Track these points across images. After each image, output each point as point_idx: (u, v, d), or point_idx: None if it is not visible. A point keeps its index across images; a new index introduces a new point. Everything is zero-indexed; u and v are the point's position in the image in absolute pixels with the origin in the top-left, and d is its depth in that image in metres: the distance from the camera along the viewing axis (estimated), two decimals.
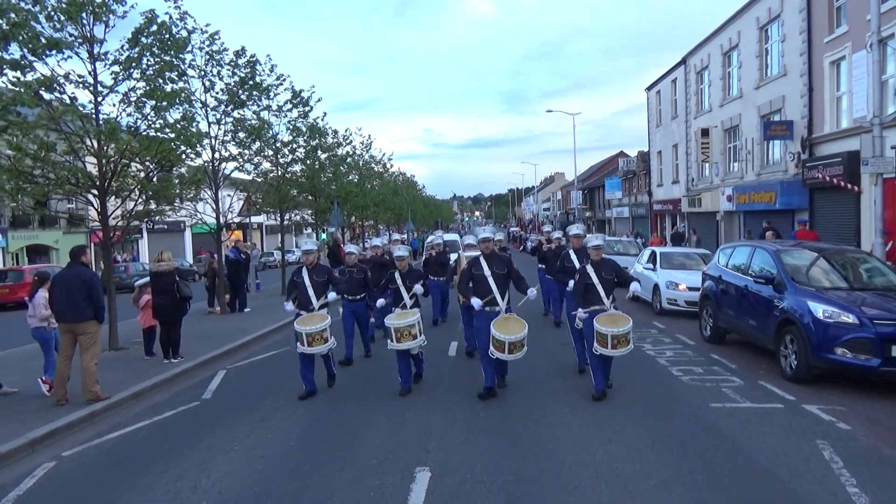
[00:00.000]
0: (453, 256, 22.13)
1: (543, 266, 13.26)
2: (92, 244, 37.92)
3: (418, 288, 8.19)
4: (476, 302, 7.48)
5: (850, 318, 7.52)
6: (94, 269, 35.75)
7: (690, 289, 13.42)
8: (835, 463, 5.33)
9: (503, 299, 7.56)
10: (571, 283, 8.67)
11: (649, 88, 37.00)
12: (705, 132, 27.23)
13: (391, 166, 41.32)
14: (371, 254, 12.50)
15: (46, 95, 10.57)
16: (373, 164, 36.14)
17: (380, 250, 12.42)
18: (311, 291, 8.02)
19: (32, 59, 9.24)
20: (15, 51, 10.03)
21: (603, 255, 7.87)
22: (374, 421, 6.81)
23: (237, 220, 23.78)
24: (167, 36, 11.79)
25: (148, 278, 10.40)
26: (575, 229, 9.82)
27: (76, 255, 8.13)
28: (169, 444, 6.37)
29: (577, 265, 8.85)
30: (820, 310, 7.76)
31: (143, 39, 11.56)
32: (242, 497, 5.01)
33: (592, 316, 7.48)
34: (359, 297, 9.78)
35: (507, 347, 7.18)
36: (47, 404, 7.68)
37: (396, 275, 8.38)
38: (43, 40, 9.27)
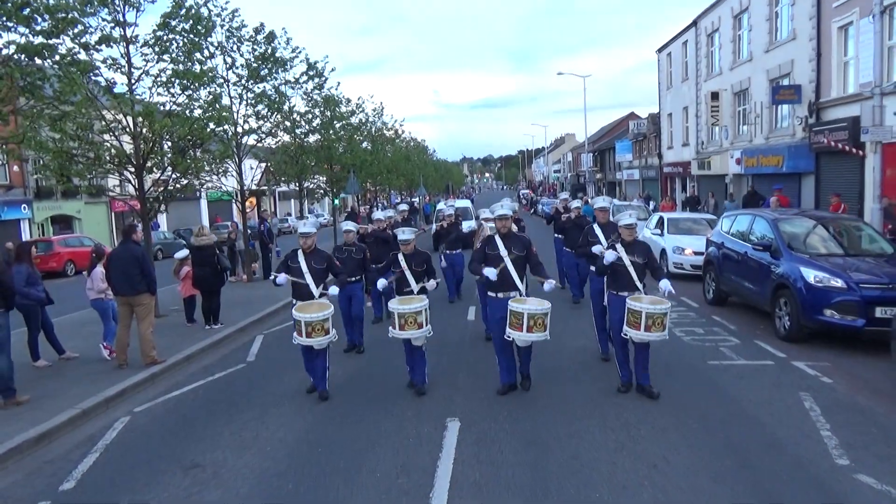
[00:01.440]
0: (466, 225, 22.76)
1: (561, 236, 12.40)
2: (112, 214, 39.10)
3: (431, 284, 7.26)
4: (491, 272, 6.60)
5: (838, 283, 8.20)
6: (115, 238, 36.89)
7: (696, 253, 14.06)
8: (813, 411, 6.10)
9: (522, 283, 6.80)
10: (596, 248, 7.92)
11: (660, 50, 36.91)
12: (715, 95, 27.43)
13: (402, 131, 41.75)
14: (375, 227, 11.52)
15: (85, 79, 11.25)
16: (385, 131, 36.63)
17: (383, 224, 11.51)
18: (309, 278, 7.17)
19: (78, 51, 9.84)
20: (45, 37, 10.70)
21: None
22: (407, 379, 7.61)
23: (256, 188, 24.57)
24: (195, 21, 12.34)
25: (187, 251, 11.19)
26: (601, 202, 8.93)
27: (128, 234, 8.91)
28: (226, 400, 7.23)
29: (604, 243, 8.06)
30: (811, 275, 8.44)
31: (173, 23, 12.16)
32: (300, 442, 5.85)
33: (621, 297, 6.75)
34: (354, 279, 9.00)
35: (525, 323, 6.31)
36: (110, 367, 8.56)
37: (401, 257, 7.37)
38: (92, 36, 9.89)
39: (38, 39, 8.88)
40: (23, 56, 8.98)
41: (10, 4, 8.71)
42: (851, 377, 7.20)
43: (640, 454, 5.28)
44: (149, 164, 12.49)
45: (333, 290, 7.23)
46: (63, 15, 8.81)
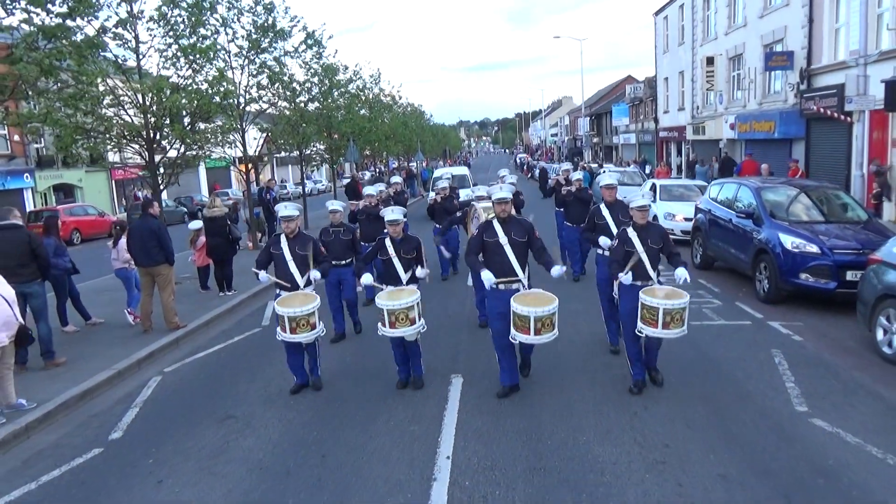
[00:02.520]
0: (463, 193, 23.03)
1: (562, 209, 11.76)
2: (112, 182, 39.39)
3: (421, 271, 6.68)
4: (488, 278, 5.92)
5: (813, 248, 8.80)
6: (116, 206, 37.21)
7: (686, 219, 14.63)
8: (781, 366, 6.77)
9: (524, 273, 6.14)
10: (603, 241, 7.30)
11: (657, 13, 36.85)
12: (710, 60, 27.64)
13: (400, 98, 41.82)
14: (365, 203, 10.72)
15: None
16: (382, 97, 36.76)
17: (374, 200, 10.70)
18: (292, 266, 6.63)
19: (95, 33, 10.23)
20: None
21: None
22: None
23: (256, 155, 24.99)
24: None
25: (200, 223, 11.73)
26: (607, 178, 8.12)
27: (146, 208, 9.48)
28: (248, 361, 7.88)
29: (612, 225, 7.56)
30: (789, 241, 9.04)
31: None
32: (319, 397, 6.52)
33: (634, 287, 6.11)
34: (344, 261, 8.37)
35: (532, 325, 5.65)
36: (136, 332, 9.20)
37: (388, 242, 6.70)
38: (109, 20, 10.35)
39: (55, 20, 9.24)
40: (40, 37, 9.36)
41: None
42: (820, 335, 7.86)
43: (623, 405, 5.94)
44: (158, 137, 12.98)
45: (316, 273, 6.67)
46: None
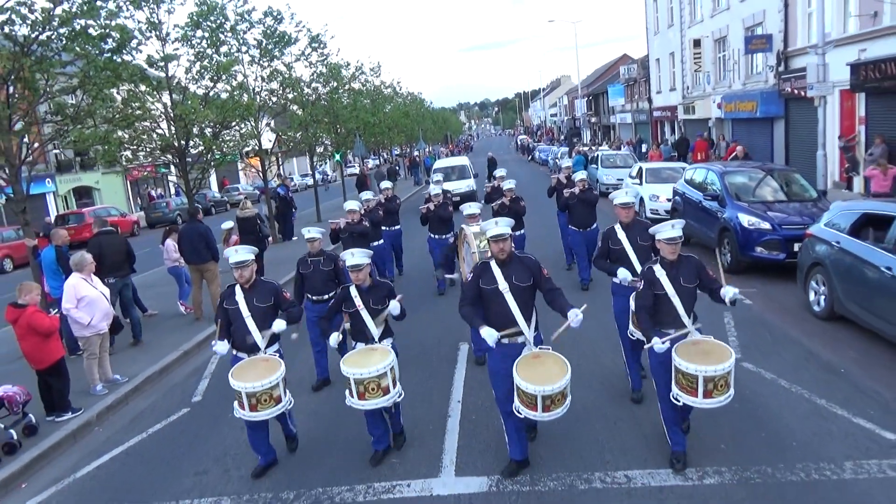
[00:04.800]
0: (465, 185, 23.95)
1: (565, 212, 10.92)
2: (128, 183, 40.96)
3: (394, 307, 5.53)
4: (490, 335, 4.87)
5: (766, 225, 10.27)
6: (132, 206, 38.74)
7: (668, 200, 16.07)
8: (728, 325, 8.27)
9: (530, 325, 5.08)
10: (622, 274, 6.14)
11: None
12: (697, 43, 28.84)
13: (400, 88, 43.18)
14: (347, 221, 9.53)
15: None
16: (383, 89, 38.12)
17: (356, 215, 9.54)
18: (250, 323, 5.52)
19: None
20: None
21: (680, 252, 5.21)
22: (420, 314, 9.74)
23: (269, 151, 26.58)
24: (221, 19, 14.13)
25: (232, 222, 13.25)
26: (622, 196, 6.60)
27: (193, 215, 11.04)
28: (288, 340, 9.41)
29: (630, 252, 6.29)
30: (746, 219, 10.50)
31: (202, 21, 13.96)
32: None
33: (670, 343, 5.01)
34: (326, 296, 7.18)
35: (540, 403, 4.70)
36: (189, 321, 10.79)
37: (353, 290, 5.61)
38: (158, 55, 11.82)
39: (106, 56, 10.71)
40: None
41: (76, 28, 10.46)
42: (768, 299, 9.34)
43: (595, 361, 7.45)
44: (188, 146, 14.52)
45: (279, 324, 5.54)
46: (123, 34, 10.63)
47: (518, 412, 4.90)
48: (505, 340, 5.03)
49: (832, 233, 8.14)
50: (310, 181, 37.41)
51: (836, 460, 5.02)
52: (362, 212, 9.97)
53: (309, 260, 7.37)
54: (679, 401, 4.95)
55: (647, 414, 6.03)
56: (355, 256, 5.54)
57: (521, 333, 5.06)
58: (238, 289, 5.65)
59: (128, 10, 12.80)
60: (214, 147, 15.07)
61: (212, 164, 15.76)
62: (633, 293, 5.73)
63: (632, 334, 6.04)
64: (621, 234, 6.44)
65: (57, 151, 35.30)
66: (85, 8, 9.26)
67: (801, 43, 20.14)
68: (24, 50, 9.02)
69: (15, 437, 6.42)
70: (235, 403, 5.36)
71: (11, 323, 6.66)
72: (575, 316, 4.85)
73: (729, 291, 5.06)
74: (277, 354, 5.69)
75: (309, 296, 7.34)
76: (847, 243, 7.76)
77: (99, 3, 9.89)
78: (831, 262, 7.96)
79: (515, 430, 5.21)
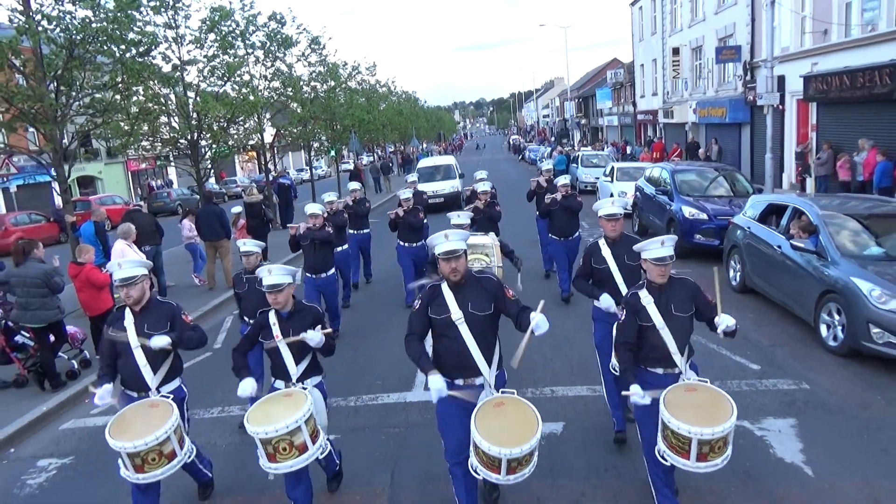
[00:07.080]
0: (450, 185, 25.03)
1: (546, 219, 9.98)
2: (129, 172, 42.42)
3: (311, 337, 4.47)
4: (437, 389, 3.98)
5: (703, 216, 11.93)
6: (133, 195, 40.23)
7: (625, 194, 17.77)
8: None
9: (491, 363, 4.23)
10: (604, 301, 5.29)
11: (633, 3, 39.62)
12: (676, 51, 30.62)
13: (395, 87, 44.72)
14: (308, 225, 8.38)
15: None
16: (378, 87, 39.69)
17: (319, 220, 8.39)
18: (138, 358, 4.51)
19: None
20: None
21: (672, 272, 4.40)
22: (386, 329, 11.34)
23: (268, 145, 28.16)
24: (233, 23, 15.71)
25: (241, 207, 14.83)
26: (607, 207, 5.57)
27: (209, 199, 12.63)
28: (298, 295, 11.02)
29: (616, 273, 5.39)
30: (687, 211, 12.17)
31: (217, 27, 15.54)
32: (356, 323, 9.64)
33: (653, 377, 4.32)
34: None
35: (504, 466, 3.84)
36: (203, 290, 12.38)
37: (272, 316, 4.71)
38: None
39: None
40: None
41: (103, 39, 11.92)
42: (700, 278, 10.79)
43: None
44: (199, 139, 16.08)
45: (159, 340, 4.45)
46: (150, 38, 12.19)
47: (476, 472, 3.98)
48: (461, 381, 4.18)
49: (746, 220, 9.82)
50: (305, 175, 39.13)
51: (710, 380, 6.64)
52: (325, 215, 8.78)
53: (245, 277, 6.39)
54: (667, 461, 4.11)
55: (634, 462, 5.16)
56: (273, 274, 4.59)
57: (476, 373, 4.16)
58: (127, 312, 4.60)
59: (148, 14, 14.36)
60: (222, 140, 16.64)
61: (220, 155, 17.32)
62: (616, 323, 4.63)
63: (614, 368, 5.10)
64: (606, 252, 5.47)
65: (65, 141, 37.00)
66: (123, 18, 10.78)
67: (765, 55, 21.85)
68: (70, 53, 10.56)
69: (76, 366, 8.06)
70: (119, 461, 4.26)
71: (73, 277, 8.21)
72: (539, 323, 3.97)
73: (723, 321, 4.26)
74: (172, 396, 4.56)
75: (245, 319, 6.36)
76: (755, 228, 9.44)
77: (131, 13, 11.42)
78: (744, 244, 9.63)
79: (466, 492, 4.22)
